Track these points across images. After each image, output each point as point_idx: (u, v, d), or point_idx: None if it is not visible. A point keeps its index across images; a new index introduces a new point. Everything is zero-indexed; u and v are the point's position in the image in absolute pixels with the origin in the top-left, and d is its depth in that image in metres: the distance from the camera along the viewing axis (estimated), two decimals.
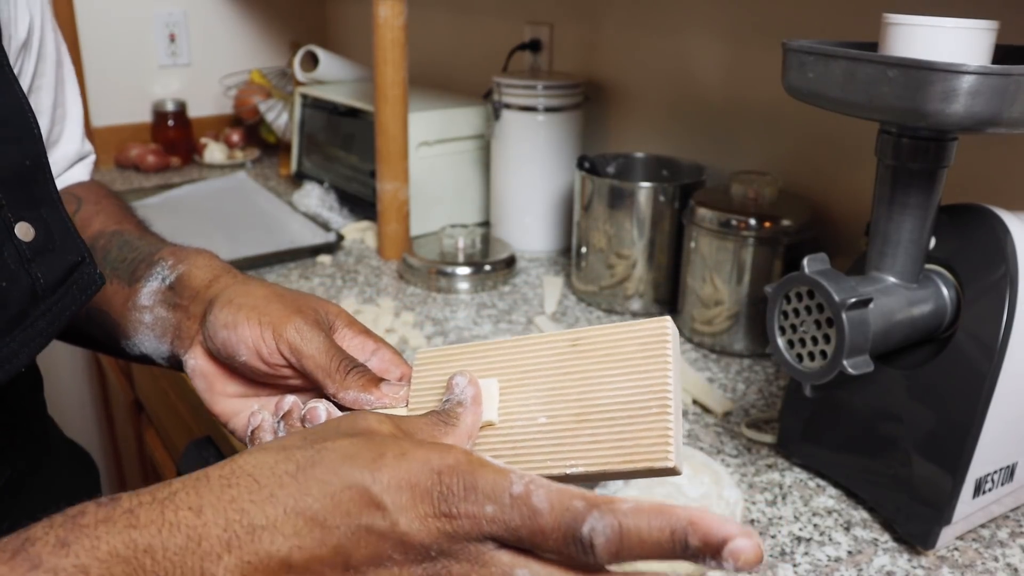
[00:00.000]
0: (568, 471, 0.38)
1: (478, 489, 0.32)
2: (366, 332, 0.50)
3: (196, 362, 0.51)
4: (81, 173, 0.68)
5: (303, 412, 0.44)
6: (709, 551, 0.29)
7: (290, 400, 0.46)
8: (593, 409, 0.39)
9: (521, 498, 0.31)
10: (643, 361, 0.39)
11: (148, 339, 0.54)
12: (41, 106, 0.61)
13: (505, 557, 0.32)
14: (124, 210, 0.65)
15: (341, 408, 0.46)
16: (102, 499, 0.32)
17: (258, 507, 0.31)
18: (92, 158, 0.70)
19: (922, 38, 0.56)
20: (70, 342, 0.62)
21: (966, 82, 0.52)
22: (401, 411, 0.45)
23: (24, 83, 0.54)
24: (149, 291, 0.54)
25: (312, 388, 0.48)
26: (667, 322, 0.40)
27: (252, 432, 0.46)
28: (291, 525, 0.31)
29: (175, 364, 0.54)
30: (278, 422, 0.45)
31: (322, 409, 0.44)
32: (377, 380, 0.46)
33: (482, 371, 0.43)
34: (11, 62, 0.50)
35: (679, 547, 0.30)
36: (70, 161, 0.66)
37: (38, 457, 0.59)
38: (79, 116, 0.66)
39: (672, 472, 0.37)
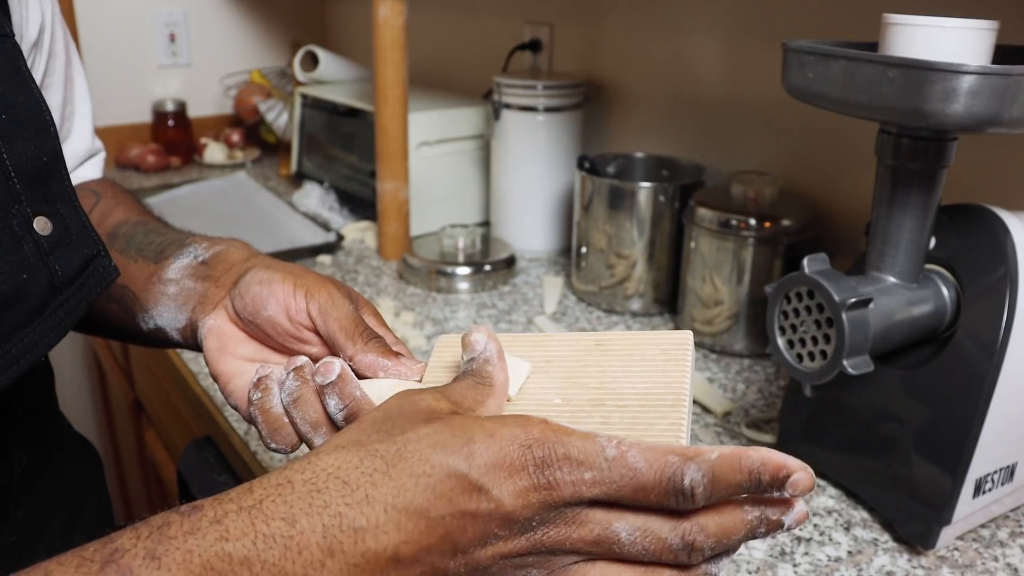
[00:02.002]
0: None
1: (572, 457, 0.33)
2: (387, 327, 0.51)
3: (214, 322, 0.52)
4: (93, 170, 0.69)
5: (317, 366, 0.44)
6: (777, 484, 0.33)
7: (303, 358, 0.46)
8: (609, 396, 0.40)
9: (618, 460, 0.33)
10: (663, 363, 0.41)
11: (167, 309, 0.54)
12: (51, 103, 0.62)
13: (600, 515, 0.33)
14: (143, 206, 0.66)
15: (355, 372, 0.46)
16: (182, 508, 0.31)
17: (355, 510, 0.31)
18: (103, 155, 0.70)
19: (922, 38, 0.56)
20: (83, 331, 0.63)
21: (966, 82, 0.52)
22: (414, 386, 0.46)
23: (37, 83, 0.55)
24: (178, 266, 0.55)
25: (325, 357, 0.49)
26: (689, 335, 0.43)
27: (259, 379, 0.46)
28: (393, 522, 0.32)
29: (188, 335, 0.54)
30: (288, 373, 0.45)
31: (337, 363, 0.44)
32: (396, 353, 0.48)
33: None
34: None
35: (754, 484, 0.33)
36: (81, 158, 0.67)
37: (51, 448, 0.60)
38: (89, 113, 0.67)
39: None
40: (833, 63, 0.58)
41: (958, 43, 0.56)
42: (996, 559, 0.65)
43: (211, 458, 0.92)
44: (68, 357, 1.91)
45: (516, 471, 0.33)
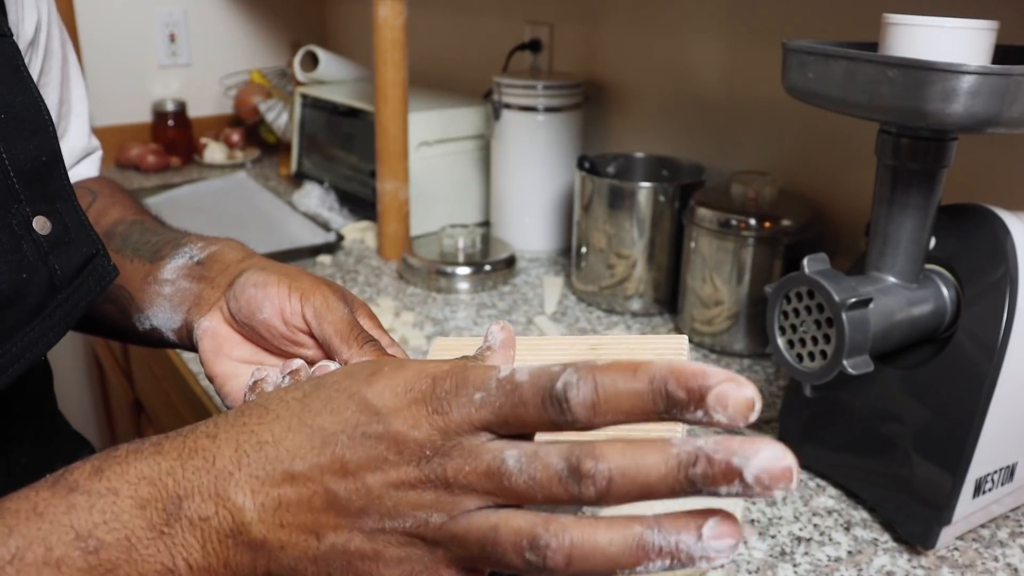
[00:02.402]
0: None
1: (468, 382, 0.32)
2: (383, 329, 0.52)
3: (210, 323, 0.53)
4: (89, 168, 0.69)
5: (312, 370, 0.45)
6: (693, 399, 0.27)
7: (299, 361, 0.47)
8: None
9: (506, 378, 0.31)
10: None
11: (163, 310, 0.55)
12: (48, 102, 0.62)
13: (496, 444, 0.31)
14: (139, 205, 0.66)
15: None
16: (134, 440, 0.35)
17: (265, 427, 0.34)
18: (99, 154, 0.71)
19: (922, 38, 0.56)
20: (81, 330, 0.63)
21: (966, 82, 0.52)
22: None
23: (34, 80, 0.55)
24: (174, 266, 0.55)
25: (320, 360, 0.49)
26: (684, 339, 0.43)
27: (254, 383, 0.47)
28: (293, 439, 0.33)
29: (184, 336, 0.54)
30: (284, 377, 0.46)
31: (332, 367, 0.44)
32: (390, 356, 0.48)
33: None
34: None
35: (660, 399, 0.28)
36: (77, 156, 0.67)
37: (49, 447, 0.60)
38: (85, 112, 0.67)
39: None
40: (833, 63, 0.58)
41: (958, 43, 0.56)
42: (996, 559, 0.65)
43: None
44: (68, 357, 1.91)
45: (415, 398, 0.32)
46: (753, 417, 0.27)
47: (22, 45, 0.56)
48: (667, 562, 0.28)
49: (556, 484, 0.29)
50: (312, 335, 0.49)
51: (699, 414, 0.27)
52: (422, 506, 0.32)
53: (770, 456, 0.26)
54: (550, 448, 0.30)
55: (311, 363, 0.49)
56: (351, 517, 0.32)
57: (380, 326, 0.52)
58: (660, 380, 0.28)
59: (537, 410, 0.30)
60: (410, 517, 0.32)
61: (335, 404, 0.33)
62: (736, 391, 0.27)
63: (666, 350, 0.42)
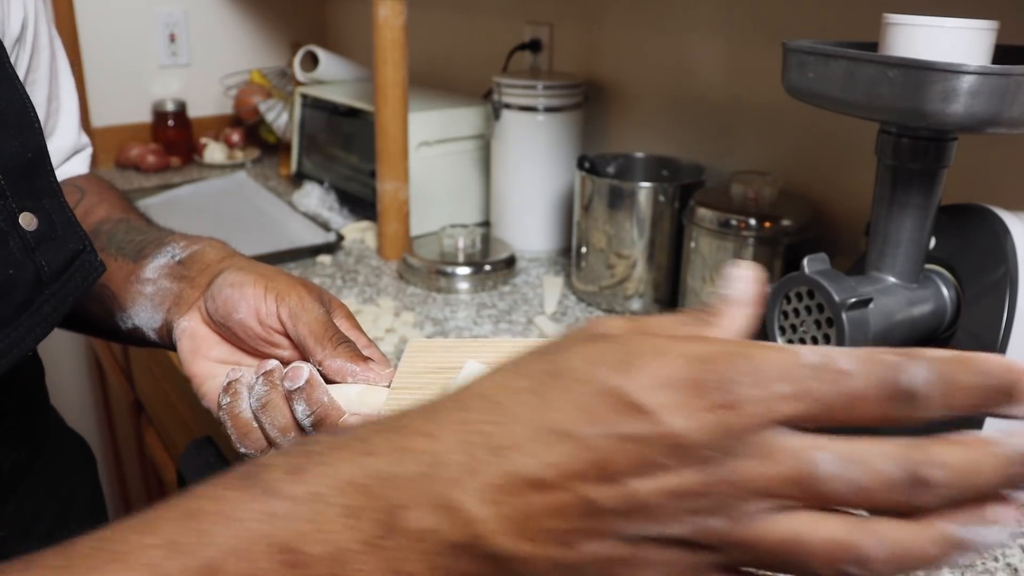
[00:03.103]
0: None
1: (762, 370, 0.27)
2: (360, 329, 0.51)
3: (188, 323, 0.53)
4: (79, 166, 0.69)
5: (286, 371, 0.45)
6: (1004, 392, 0.27)
7: (273, 362, 0.47)
8: None
9: (821, 366, 0.27)
10: None
11: (144, 309, 0.55)
12: (36, 99, 0.62)
13: (797, 441, 0.27)
14: (127, 203, 0.66)
15: (324, 376, 0.46)
16: (329, 432, 0.31)
17: (499, 427, 0.29)
18: (89, 151, 0.70)
19: (922, 38, 0.56)
20: (68, 328, 0.63)
21: (966, 82, 0.52)
22: (382, 391, 0.46)
23: (20, 79, 0.55)
24: (155, 266, 0.55)
25: (295, 361, 0.49)
26: None
27: (229, 383, 0.47)
28: (538, 442, 0.28)
29: (164, 336, 0.55)
30: (257, 378, 0.46)
31: (306, 368, 0.44)
32: (365, 357, 0.47)
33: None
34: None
35: (992, 391, 0.27)
36: (66, 153, 0.67)
37: (41, 443, 0.60)
38: (74, 109, 0.67)
39: None
40: (833, 63, 0.58)
41: (958, 43, 0.56)
42: (996, 559, 0.65)
43: (211, 458, 0.92)
44: (68, 357, 1.91)
45: (690, 389, 0.27)
46: None
47: (8, 42, 0.56)
48: (969, 554, 0.27)
49: (888, 492, 0.27)
50: (288, 336, 0.49)
51: (1006, 409, 0.27)
52: (700, 511, 0.27)
53: None
54: (874, 451, 0.27)
55: (287, 363, 0.49)
56: (613, 525, 0.28)
57: (357, 326, 0.51)
58: (988, 374, 0.27)
59: (879, 404, 0.27)
60: (685, 524, 0.28)
61: (583, 400, 0.28)
62: None
63: None
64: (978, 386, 0.27)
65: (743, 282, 0.33)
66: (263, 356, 0.51)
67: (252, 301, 0.49)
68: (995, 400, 0.27)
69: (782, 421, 0.27)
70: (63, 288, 0.48)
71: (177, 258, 0.55)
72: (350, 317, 0.52)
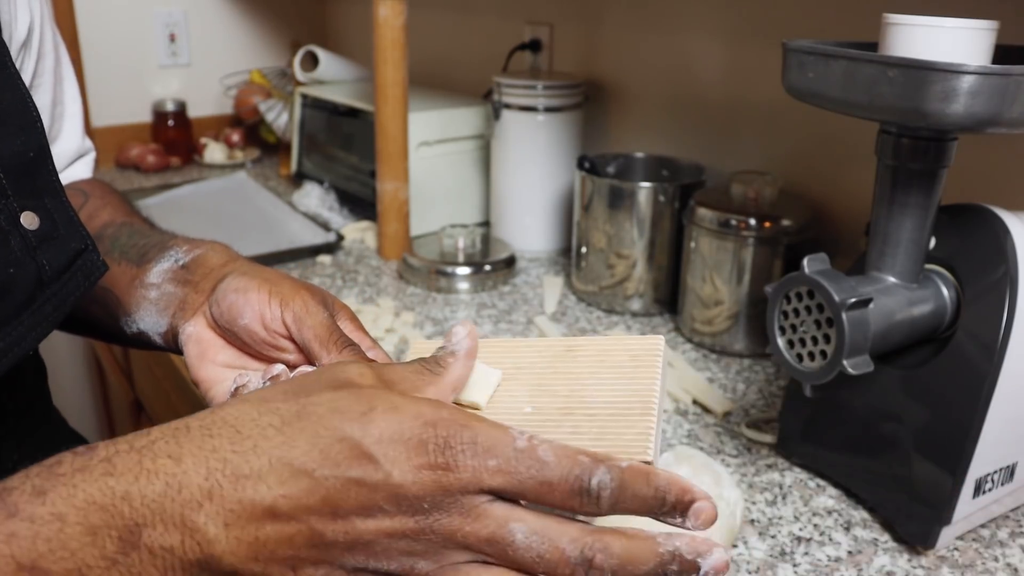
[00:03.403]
0: None
1: (479, 443, 0.32)
2: (364, 331, 0.52)
3: (194, 328, 0.52)
4: (83, 170, 0.69)
5: (292, 375, 0.44)
6: (680, 507, 0.33)
7: (280, 366, 0.46)
8: (578, 405, 0.40)
9: (527, 451, 0.32)
10: (632, 370, 0.41)
11: (149, 314, 0.55)
12: (40, 104, 0.62)
13: (499, 510, 0.32)
14: (130, 207, 0.66)
15: None
16: (79, 448, 0.32)
17: (241, 457, 0.31)
18: (93, 155, 0.70)
19: (922, 38, 0.56)
20: (69, 330, 0.63)
21: (966, 82, 0.52)
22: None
23: (24, 81, 0.55)
24: (159, 270, 0.55)
25: (301, 365, 0.49)
26: (660, 340, 0.42)
27: (236, 389, 0.46)
28: (276, 475, 0.31)
29: (170, 340, 0.54)
30: (264, 382, 0.46)
31: None
32: (369, 360, 0.47)
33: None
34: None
35: (659, 503, 0.32)
36: (70, 158, 0.67)
37: (43, 443, 0.60)
38: (78, 113, 0.67)
39: None
40: (833, 63, 0.58)
41: (958, 43, 0.56)
42: (996, 559, 0.65)
43: None
44: (68, 357, 1.91)
45: (413, 447, 0.31)
46: (711, 527, 0.33)
47: (14, 47, 0.56)
48: None
49: (564, 567, 0.32)
50: (293, 340, 0.49)
51: (678, 519, 0.33)
52: (412, 553, 0.32)
53: (718, 556, 0.32)
54: (558, 529, 0.32)
55: (293, 367, 0.49)
56: (337, 555, 0.32)
57: (361, 328, 0.52)
58: (663, 490, 0.32)
59: (564, 496, 0.32)
60: (396, 561, 0.32)
61: (323, 443, 0.32)
62: (708, 509, 0.33)
63: (642, 352, 0.41)
64: (650, 498, 0.32)
65: (464, 338, 0.39)
66: (269, 360, 0.51)
67: (257, 306, 0.49)
68: (666, 512, 0.33)
69: (488, 490, 0.32)
70: (64, 287, 0.48)
71: (181, 262, 0.55)
72: (354, 320, 0.52)
